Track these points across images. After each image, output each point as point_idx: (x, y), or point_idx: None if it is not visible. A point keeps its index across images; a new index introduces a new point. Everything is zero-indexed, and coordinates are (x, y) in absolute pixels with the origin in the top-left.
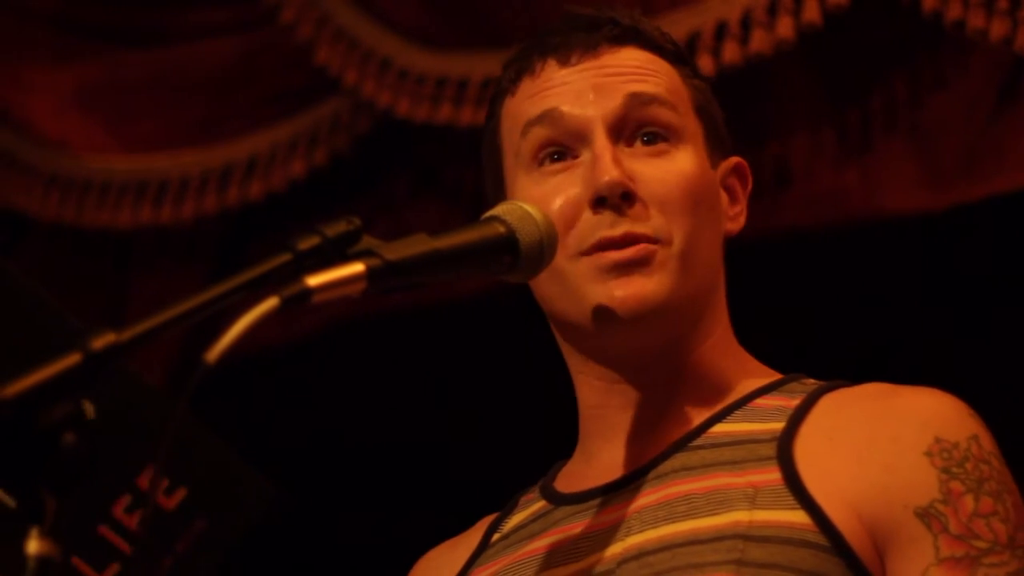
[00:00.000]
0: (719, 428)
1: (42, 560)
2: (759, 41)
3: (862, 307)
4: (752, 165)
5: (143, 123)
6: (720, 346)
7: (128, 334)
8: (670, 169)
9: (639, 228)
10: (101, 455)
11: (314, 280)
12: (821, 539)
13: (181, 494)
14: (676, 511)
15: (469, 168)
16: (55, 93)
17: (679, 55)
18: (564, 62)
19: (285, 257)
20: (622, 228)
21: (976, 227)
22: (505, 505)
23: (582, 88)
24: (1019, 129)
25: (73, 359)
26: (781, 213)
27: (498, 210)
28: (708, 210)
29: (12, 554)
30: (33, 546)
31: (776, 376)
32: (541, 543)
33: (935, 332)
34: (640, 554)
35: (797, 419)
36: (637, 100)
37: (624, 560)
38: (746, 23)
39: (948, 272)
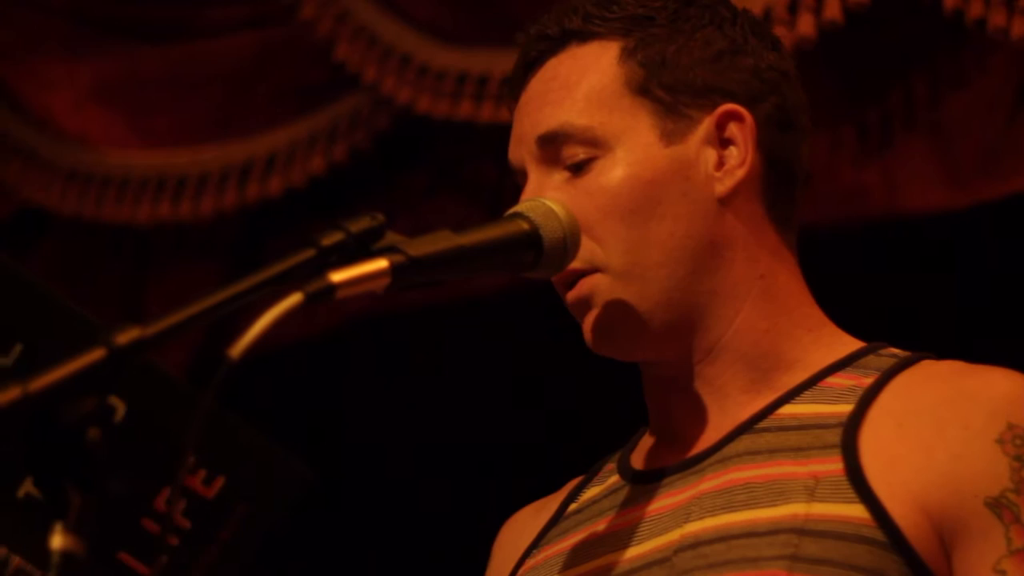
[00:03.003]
0: (787, 410)
1: (65, 555)
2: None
3: (882, 305)
4: None
5: (162, 118)
6: (764, 321)
7: (153, 329)
8: (594, 191)
9: (573, 264)
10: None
11: (338, 276)
12: (878, 534)
13: (220, 482)
14: (736, 500)
15: (489, 164)
16: (74, 88)
17: (625, 26)
18: (514, 102)
19: (309, 253)
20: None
21: (996, 226)
22: (590, 469)
23: (516, 132)
24: None
25: (97, 354)
26: (801, 210)
27: (522, 207)
28: (654, 205)
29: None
30: (57, 541)
31: (855, 345)
32: (606, 523)
33: (955, 331)
34: (696, 543)
35: (866, 401)
36: (544, 142)
37: (681, 548)
38: (767, 21)
39: (968, 270)
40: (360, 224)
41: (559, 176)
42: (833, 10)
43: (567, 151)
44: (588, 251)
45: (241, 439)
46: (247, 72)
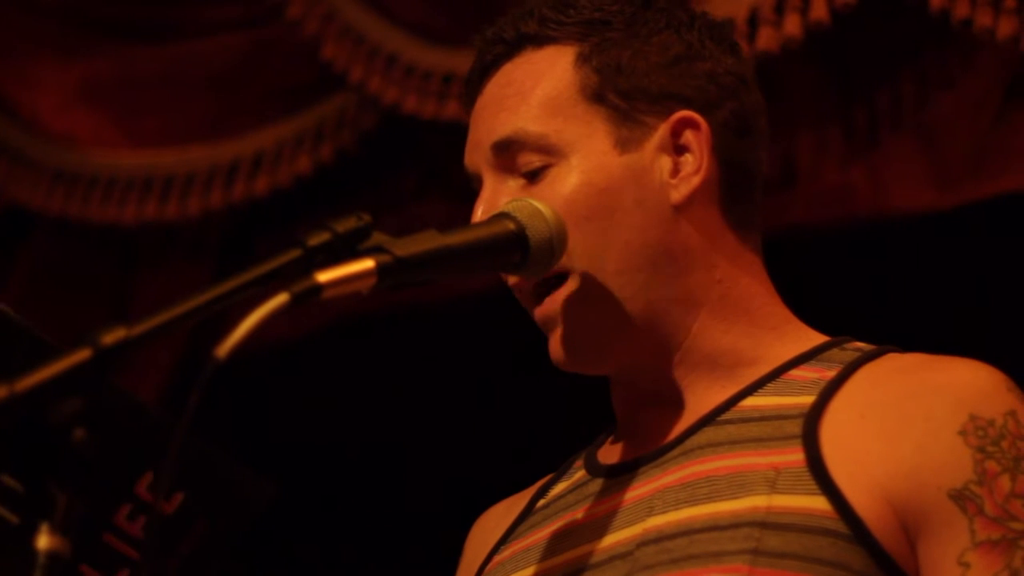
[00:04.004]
0: (750, 402)
1: (52, 555)
2: (766, 39)
3: (868, 305)
4: None
5: (149, 118)
6: (723, 323)
7: (139, 329)
8: (545, 197)
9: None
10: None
11: (324, 276)
12: (841, 527)
13: (179, 498)
14: (698, 493)
15: None
16: (61, 88)
17: (581, 31)
18: (471, 106)
19: (295, 253)
20: (513, 278)
21: (983, 226)
22: (559, 467)
23: (472, 138)
24: None
25: (83, 354)
26: (787, 211)
27: (508, 207)
28: (610, 212)
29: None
30: (43, 541)
31: (820, 339)
32: (571, 517)
33: (940, 331)
34: (659, 538)
35: (829, 393)
36: (498, 149)
37: (643, 543)
38: (753, 21)
39: (954, 271)
40: (346, 224)
41: (514, 183)
42: (820, 10)
43: (522, 158)
44: None
45: (200, 455)
46: (235, 72)
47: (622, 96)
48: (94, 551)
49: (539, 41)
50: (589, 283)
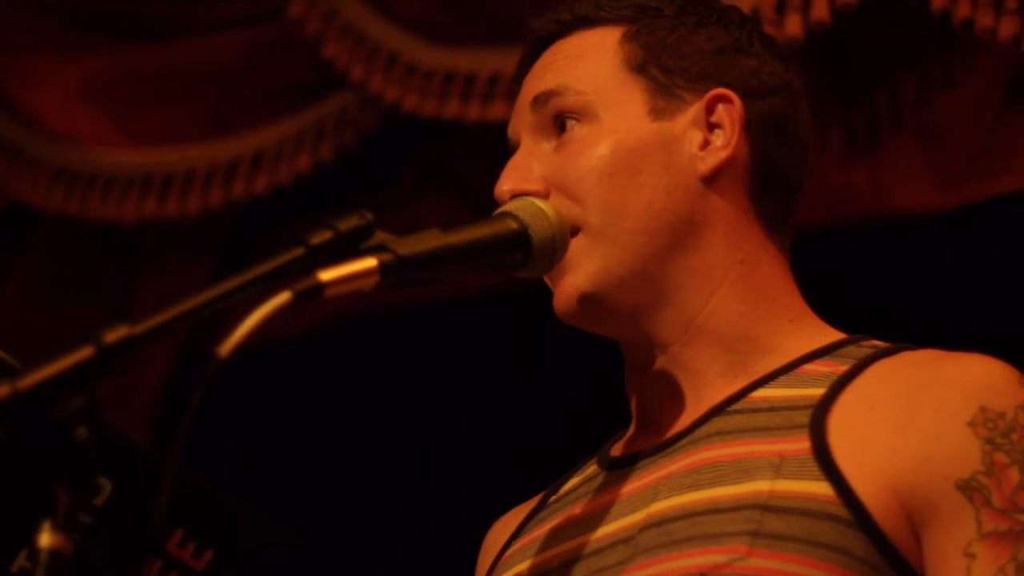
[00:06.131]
0: (760, 393)
1: (54, 553)
2: None
3: (870, 306)
4: None
5: (150, 117)
6: (741, 304)
7: (141, 328)
8: (576, 151)
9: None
10: (126, 530)
11: (327, 275)
12: (843, 512)
13: (209, 554)
14: (702, 478)
15: (476, 163)
16: (61, 86)
17: (632, 14)
18: (519, 83)
19: (298, 251)
20: None
21: (984, 226)
22: (571, 468)
23: (516, 107)
24: None
25: (86, 352)
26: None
27: (510, 206)
28: (634, 173)
29: None
30: (45, 539)
31: (837, 336)
32: (581, 508)
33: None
34: (661, 521)
35: (839, 386)
36: (537, 103)
37: (646, 527)
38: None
39: (955, 271)
40: (349, 223)
41: (547, 145)
42: (821, 10)
43: (557, 109)
44: (572, 211)
45: (228, 509)
46: (235, 71)
47: (663, 71)
48: None
49: (591, 22)
50: (602, 236)
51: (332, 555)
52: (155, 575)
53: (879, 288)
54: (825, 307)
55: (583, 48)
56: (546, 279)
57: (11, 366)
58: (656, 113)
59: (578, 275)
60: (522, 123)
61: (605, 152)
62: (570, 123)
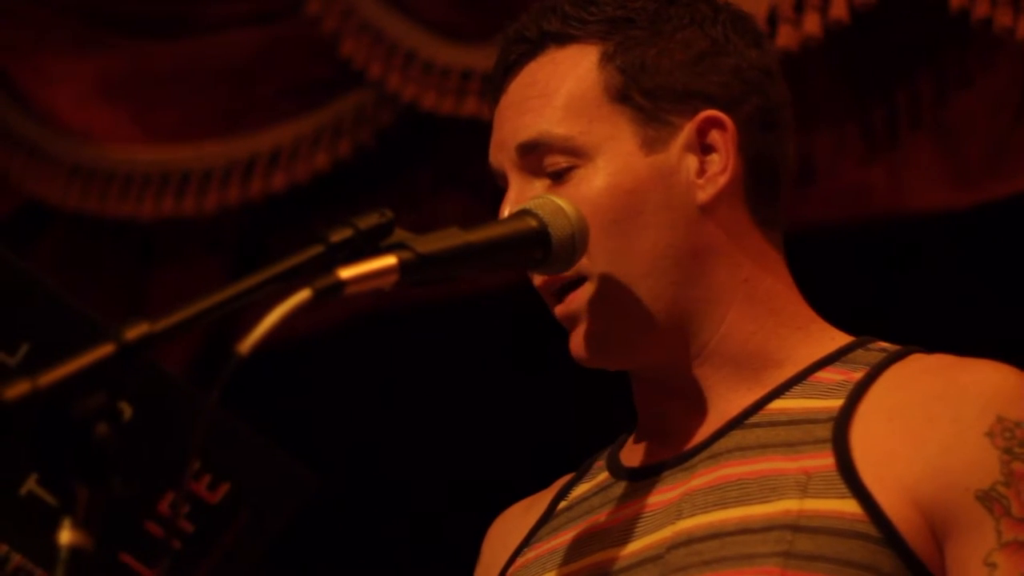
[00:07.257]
0: (777, 405)
1: (74, 550)
2: (786, 37)
3: (885, 304)
4: None
5: (166, 114)
6: (751, 324)
7: (162, 324)
8: (571, 200)
9: (558, 274)
10: (144, 454)
11: (347, 272)
12: (872, 530)
13: (224, 488)
14: (728, 496)
15: None
16: (78, 83)
17: (604, 29)
18: (495, 104)
19: (318, 249)
20: (539, 278)
21: (1001, 225)
22: (579, 467)
23: (496, 138)
24: None
25: (106, 349)
26: (805, 209)
27: (530, 204)
28: (635, 215)
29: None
30: (65, 536)
31: (844, 340)
32: (596, 520)
33: (958, 331)
34: (689, 540)
35: (856, 396)
36: (523, 151)
37: (674, 546)
38: (773, 19)
39: (972, 270)
40: (369, 220)
41: (540, 184)
42: (839, 9)
43: (548, 160)
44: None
45: (246, 444)
46: (252, 68)
47: (647, 96)
48: (135, 539)
49: (562, 40)
50: (612, 285)
51: (346, 548)
52: (167, 506)
53: (895, 286)
54: (841, 305)
55: (559, 77)
56: (556, 314)
57: (99, 322)
58: (648, 146)
59: (591, 325)
60: (507, 159)
61: (605, 199)
62: (559, 169)
